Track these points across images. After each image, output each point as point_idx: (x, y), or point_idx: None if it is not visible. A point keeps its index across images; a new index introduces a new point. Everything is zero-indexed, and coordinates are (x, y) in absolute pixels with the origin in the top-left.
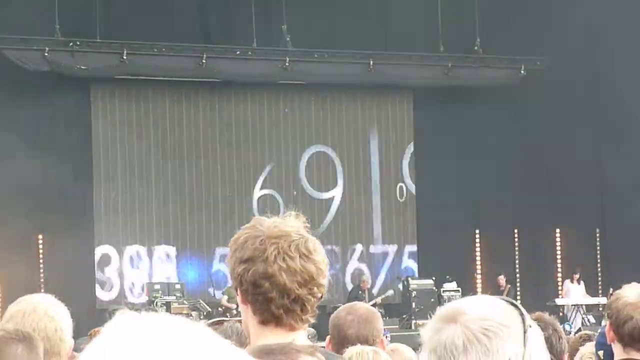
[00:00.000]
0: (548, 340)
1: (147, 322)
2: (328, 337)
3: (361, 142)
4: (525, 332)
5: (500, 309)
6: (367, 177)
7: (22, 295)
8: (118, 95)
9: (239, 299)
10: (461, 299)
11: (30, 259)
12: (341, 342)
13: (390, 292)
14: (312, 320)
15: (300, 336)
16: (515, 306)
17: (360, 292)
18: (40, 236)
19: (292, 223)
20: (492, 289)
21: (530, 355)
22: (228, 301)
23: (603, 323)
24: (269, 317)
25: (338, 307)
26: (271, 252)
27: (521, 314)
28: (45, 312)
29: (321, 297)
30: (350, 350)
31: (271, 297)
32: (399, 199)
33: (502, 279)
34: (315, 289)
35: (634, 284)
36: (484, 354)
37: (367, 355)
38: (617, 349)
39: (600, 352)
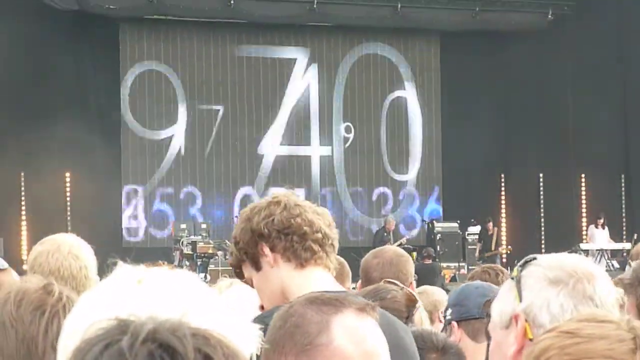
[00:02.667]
0: None
1: (144, 275)
2: (359, 282)
3: (388, 84)
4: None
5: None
6: (394, 121)
7: (49, 231)
8: (146, 35)
9: (268, 258)
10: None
11: (58, 196)
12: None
13: (414, 232)
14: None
15: (330, 279)
16: None
17: (385, 233)
18: (67, 174)
19: None
20: (518, 233)
21: None
22: None
23: (628, 268)
24: (308, 254)
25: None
26: (287, 201)
27: None
28: (69, 251)
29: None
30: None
31: (305, 230)
32: (425, 141)
33: (490, 225)
34: (334, 233)
35: None
36: None
37: None
38: None
39: None
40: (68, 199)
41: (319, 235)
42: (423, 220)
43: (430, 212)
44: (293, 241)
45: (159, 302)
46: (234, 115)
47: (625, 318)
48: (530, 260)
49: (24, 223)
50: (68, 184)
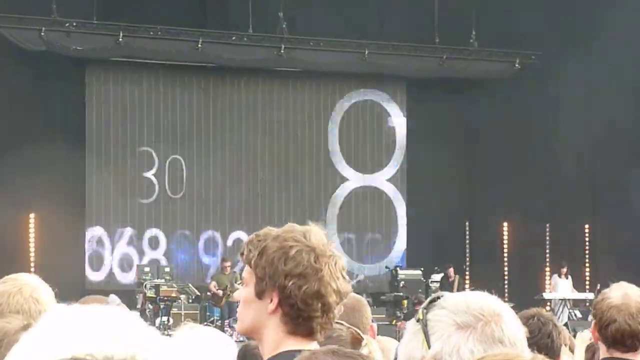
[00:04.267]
0: (549, 335)
1: (77, 313)
2: None
3: (353, 129)
4: None
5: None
6: (360, 165)
7: (11, 271)
8: (113, 77)
9: (270, 305)
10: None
11: (21, 237)
12: None
13: (361, 276)
14: None
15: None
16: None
17: None
18: (31, 215)
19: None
20: (481, 280)
21: None
22: (216, 287)
23: (589, 319)
24: (305, 331)
25: None
26: (326, 272)
27: None
28: (30, 294)
29: None
30: None
31: (316, 315)
32: (390, 188)
33: (451, 271)
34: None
35: (622, 283)
36: None
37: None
38: (602, 347)
39: None
40: (32, 239)
41: (331, 316)
42: (387, 267)
43: (393, 259)
44: (301, 318)
45: (90, 340)
46: (199, 159)
47: (539, 357)
48: (434, 301)
49: None
50: (32, 225)
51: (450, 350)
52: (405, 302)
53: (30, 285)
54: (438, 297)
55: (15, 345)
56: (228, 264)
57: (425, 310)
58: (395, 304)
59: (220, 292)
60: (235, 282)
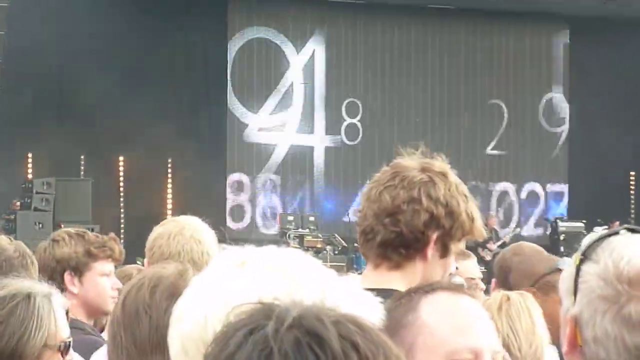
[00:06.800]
0: None
1: (247, 257)
2: (494, 280)
3: (512, 72)
4: None
5: None
6: (519, 112)
7: (150, 221)
8: (256, 15)
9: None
10: None
11: (160, 184)
12: (509, 286)
13: (518, 229)
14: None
15: (388, 279)
16: None
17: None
18: (169, 161)
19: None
20: None
21: None
22: None
23: None
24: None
25: None
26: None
27: None
28: (192, 235)
29: (402, 232)
30: (495, 296)
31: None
32: (550, 136)
33: (616, 225)
34: (387, 220)
35: None
36: None
37: (517, 302)
38: None
39: None
40: (169, 187)
41: (365, 226)
42: (546, 219)
43: (554, 210)
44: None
45: (264, 283)
46: (348, 103)
47: None
48: (594, 245)
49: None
50: (170, 171)
51: (587, 318)
52: None
53: (191, 226)
54: (590, 245)
55: (196, 288)
56: None
57: (582, 258)
58: None
59: None
60: None
